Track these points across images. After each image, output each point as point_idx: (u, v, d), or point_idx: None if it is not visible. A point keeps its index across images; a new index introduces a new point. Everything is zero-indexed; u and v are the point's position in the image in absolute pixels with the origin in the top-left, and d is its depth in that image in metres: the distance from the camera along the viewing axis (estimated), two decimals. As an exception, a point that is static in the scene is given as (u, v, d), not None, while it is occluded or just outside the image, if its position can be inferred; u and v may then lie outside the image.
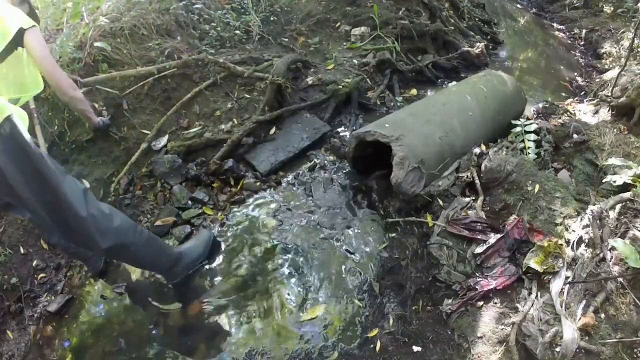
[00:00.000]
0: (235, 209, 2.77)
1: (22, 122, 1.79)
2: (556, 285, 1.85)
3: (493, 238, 2.16)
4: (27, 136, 1.78)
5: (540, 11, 6.86)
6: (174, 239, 2.59)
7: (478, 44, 4.82)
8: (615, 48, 4.93)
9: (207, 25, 3.75)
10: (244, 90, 3.41)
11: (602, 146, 2.87)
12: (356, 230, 2.63)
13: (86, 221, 1.85)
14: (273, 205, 2.79)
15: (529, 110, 3.71)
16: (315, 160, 3.14)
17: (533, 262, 1.96)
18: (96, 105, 2.90)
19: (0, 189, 1.79)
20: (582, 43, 5.61)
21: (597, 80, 4.36)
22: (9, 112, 1.74)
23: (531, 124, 2.95)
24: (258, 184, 2.92)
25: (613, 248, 1.85)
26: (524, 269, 2.00)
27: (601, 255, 1.88)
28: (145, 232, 2.11)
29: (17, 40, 1.81)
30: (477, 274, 2.11)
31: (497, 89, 3.24)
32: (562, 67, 5.00)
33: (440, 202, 2.49)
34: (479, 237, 2.21)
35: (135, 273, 2.46)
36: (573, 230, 2.06)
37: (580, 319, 1.73)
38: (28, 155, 1.75)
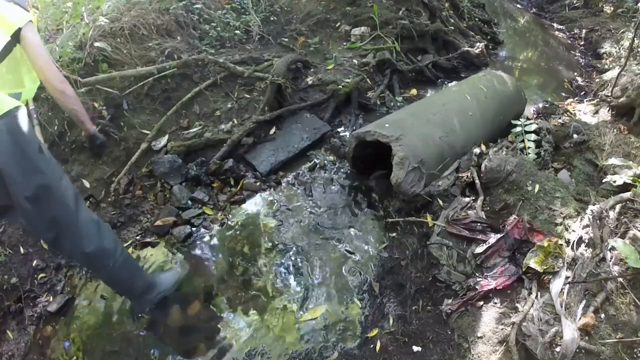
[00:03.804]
0: (235, 209, 2.78)
1: (25, 117, 1.77)
2: (556, 285, 1.85)
3: (493, 238, 2.15)
4: (28, 132, 1.75)
5: (540, 11, 6.85)
6: (173, 239, 2.59)
7: (478, 44, 4.82)
8: (615, 48, 4.92)
9: (207, 25, 3.76)
10: (244, 90, 3.41)
11: (602, 146, 2.87)
12: (356, 230, 2.63)
13: (76, 221, 1.87)
14: (273, 206, 2.79)
15: (529, 110, 3.71)
16: (315, 160, 3.14)
17: (533, 262, 1.96)
18: (96, 105, 2.91)
19: None
20: (582, 43, 5.61)
21: (597, 80, 4.37)
22: (9, 106, 1.71)
23: (531, 124, 2.95)
24: (258, 184, 2.92)
25: (613, 248, 1.85)
26: (524, 269, 2.00)
27: (601, 255, 1.88)
28: (125, 251, 2.12)
29: (17, 36, 1.80)
30: (477, 274, 2.11)
31: (497, 89, 3.25)
32: (562, 67, 5.00)
33: (440, 202, 2.49)
34: (479, 237, 2.21)
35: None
36: (573, 230, 2.06)
37: (580, 319, 1.73)
38: (25, 153, 1.72)
